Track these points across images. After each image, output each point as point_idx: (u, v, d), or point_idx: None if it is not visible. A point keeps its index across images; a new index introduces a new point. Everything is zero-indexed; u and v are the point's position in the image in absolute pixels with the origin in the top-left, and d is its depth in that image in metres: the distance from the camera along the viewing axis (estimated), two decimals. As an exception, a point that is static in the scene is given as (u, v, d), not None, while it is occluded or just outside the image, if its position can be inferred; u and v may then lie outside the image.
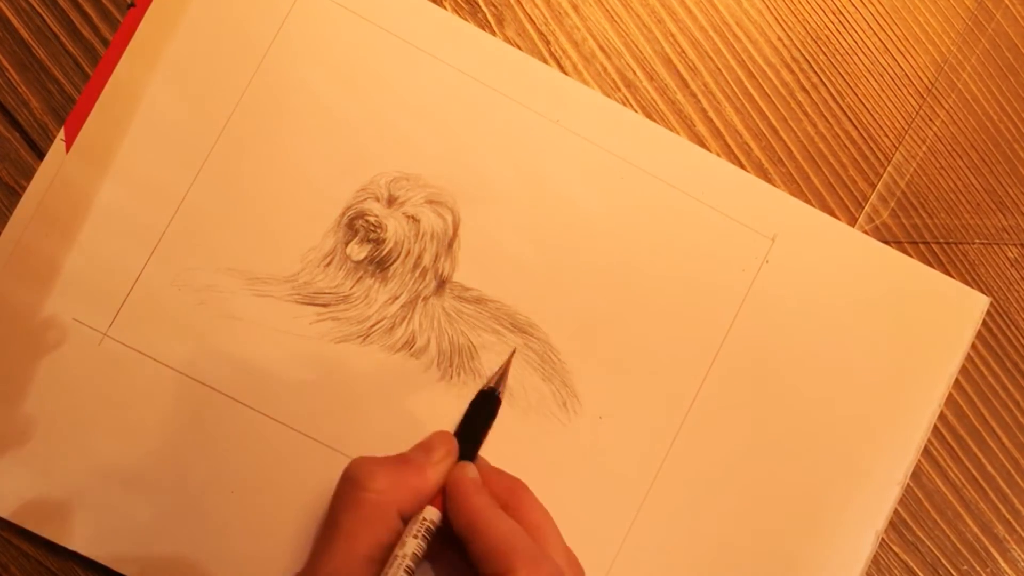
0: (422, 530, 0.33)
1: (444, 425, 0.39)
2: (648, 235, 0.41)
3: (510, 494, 0.35)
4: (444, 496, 0.34)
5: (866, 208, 0.42)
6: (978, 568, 0.42)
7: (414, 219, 0.40)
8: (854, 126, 0.43)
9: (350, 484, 0.34)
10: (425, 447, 0.36)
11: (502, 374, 0.39)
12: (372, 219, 0.40)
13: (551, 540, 0.34)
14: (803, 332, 0.41)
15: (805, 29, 0.42)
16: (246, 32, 0.40)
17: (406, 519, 0.33)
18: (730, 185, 0.41)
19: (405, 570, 0.31)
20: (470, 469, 0.35)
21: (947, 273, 0.42)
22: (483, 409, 0.38)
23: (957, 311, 0.42)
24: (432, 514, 0.33)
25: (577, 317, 0.40)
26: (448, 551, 0.35)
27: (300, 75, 0.40)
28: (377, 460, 0.34)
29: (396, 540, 0.33)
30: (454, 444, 0.36)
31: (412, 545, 0.32)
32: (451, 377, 0.40)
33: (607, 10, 0.42)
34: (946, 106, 0.43)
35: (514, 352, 0.40)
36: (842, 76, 0.43)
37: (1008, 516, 0.42)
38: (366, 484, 0.33)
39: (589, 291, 0.40)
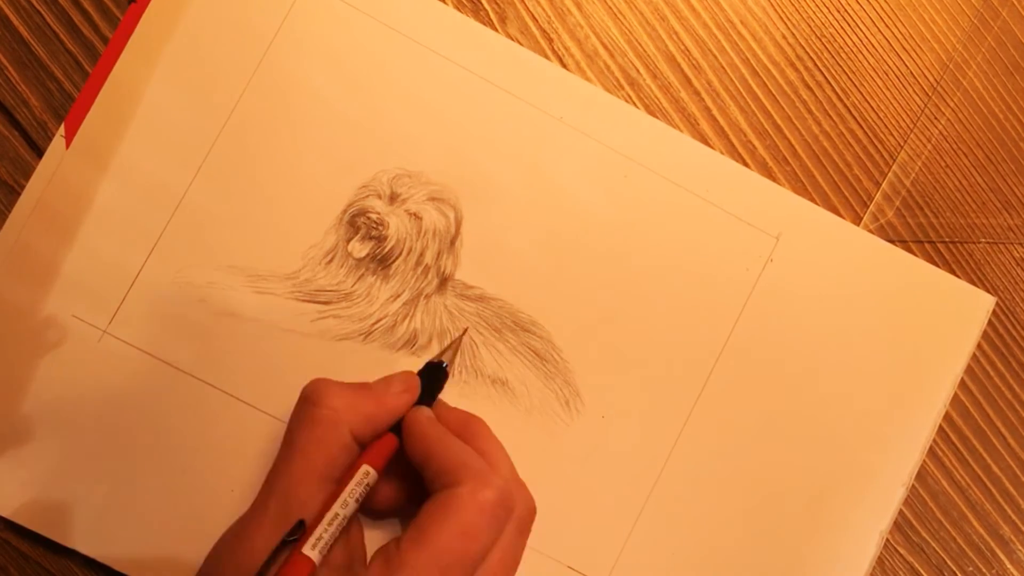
0: (360, 488, 0.33)
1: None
2: (652, 233, 0.40)
3: (464, 427, 0.36)
4: (402, 431, 0.35)
5: (871, 207, 0.42)
6: (984, 570, 0.42)
7: (416, 216, 0.40)
8: (859, 124, 0.42)
9: (305, 402, 0.34)
10: (386, 380, 0.36)
11: (454, 350, 0.39)
12: (374, 216, 0.40)
13: (501, 465, 0.35)
14: (807, 331, 0.41)
15: (809, 27, 0.42)
16: (247, 29, 0.40)
17: (361, 443, 0.34)
18: (734, 183, 0.41)
19: (338, 526, 0.32)
20: (425, 409, 0.36)
21: (952, 273, 0.42)
22: (432, 379, 0.38)
23: (962, 311, 0.41)
24: (370, 476, 0.33)
25: (580, 316, 0.40)
26: (404, 496, 0.37)
27: (302, 71, 0.40)
28: (334, 382, 0.35)
29: (349, 460, 0.33)
30: (415, 382, 0.36)
31: (351, 506, 0.32)
32: (452, 375, 0.39)
33: (610, 7, 0.42)
34: (951, 104, 0.43)
35: (466, 331, 0.39)
36: (847, 74, 0.42)
37: (1014, 517, 0.42)
38: (321, 401, 0.33)
39: (592, 289, 0.40)
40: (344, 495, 0.32)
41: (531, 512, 0.35)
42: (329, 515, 0.32)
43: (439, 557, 0.31)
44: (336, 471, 0.33)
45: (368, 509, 0.36)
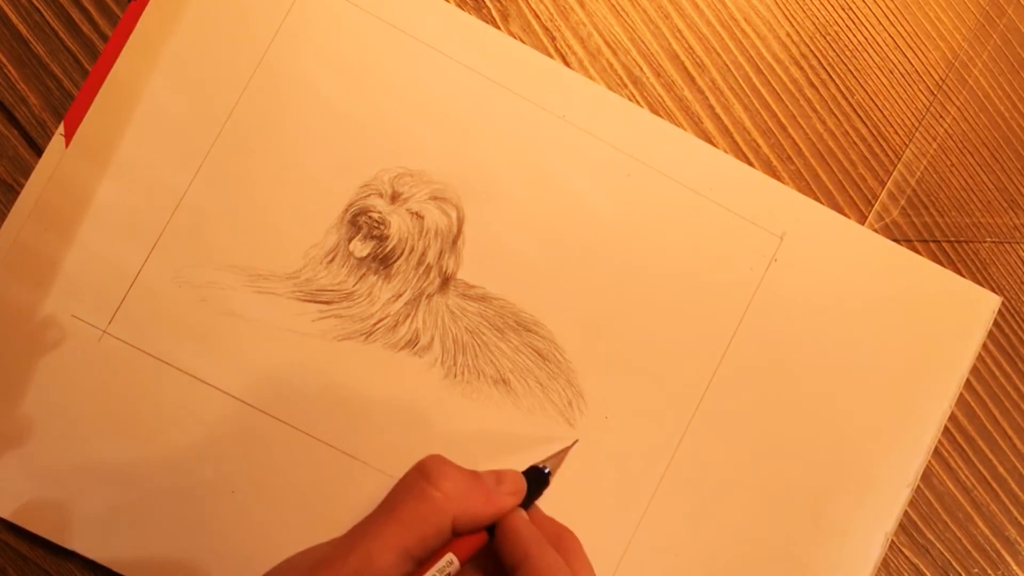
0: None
1: (448, 422, 0.39)
2: (655, 232, 0.40)
3: (558, 539, 0.36)
4: (496, 530, 0.35)
5: (876, 206, 0.42)
6: (989, 571, 0.42)
7: (418, 216, 0.40)
8: (864, 123, 0.42)
9: (421, 476, 0.34)
10: (497, 476, 0.36)
11: (559, 460, 0.39)
12: (375, 215, 0.40)
13: None
14: (812, 331, 0.40)
15: (814, 25, 0.42)
16: (248, 27, 0.40)
17: (456, 533, 0.34)
18: (738, 182, 0.41)
19: None
20: (523, 512, 0.36)
21: (958, 272, 0.42)
22: (532, 484, 0.37)
23: (968, 310, 0.41)
24: (452, 567, 0.33)
25: (583, 315, 0.40)
26: None
27: (303, 70, 0.40)
28: (452, 464, 0.35)
29: (440, 546, 0.33)
30: (523, 486, 0.36)
31: None
32: (455, 376, 0.39)
33: (613, 5, 0.41)
34: (957, 103, 0.42)
35: (575, 442, 0.39)
36: (852, 73, 0.42)
37: (1020, 518, 0.42)
38: (436, 482, 0.33)
39: (595, 289, 0.40)
40: None
41: None
42: None
43: None
44: (423, 552, 0.33)
45: None
